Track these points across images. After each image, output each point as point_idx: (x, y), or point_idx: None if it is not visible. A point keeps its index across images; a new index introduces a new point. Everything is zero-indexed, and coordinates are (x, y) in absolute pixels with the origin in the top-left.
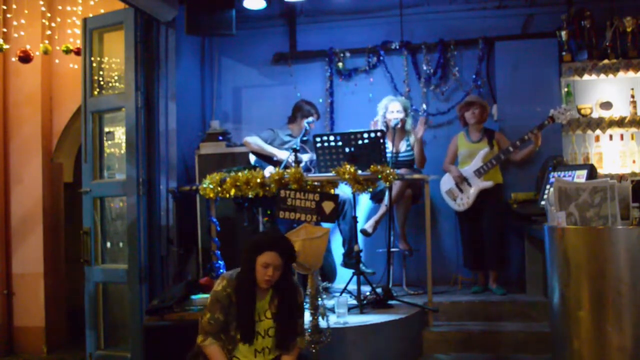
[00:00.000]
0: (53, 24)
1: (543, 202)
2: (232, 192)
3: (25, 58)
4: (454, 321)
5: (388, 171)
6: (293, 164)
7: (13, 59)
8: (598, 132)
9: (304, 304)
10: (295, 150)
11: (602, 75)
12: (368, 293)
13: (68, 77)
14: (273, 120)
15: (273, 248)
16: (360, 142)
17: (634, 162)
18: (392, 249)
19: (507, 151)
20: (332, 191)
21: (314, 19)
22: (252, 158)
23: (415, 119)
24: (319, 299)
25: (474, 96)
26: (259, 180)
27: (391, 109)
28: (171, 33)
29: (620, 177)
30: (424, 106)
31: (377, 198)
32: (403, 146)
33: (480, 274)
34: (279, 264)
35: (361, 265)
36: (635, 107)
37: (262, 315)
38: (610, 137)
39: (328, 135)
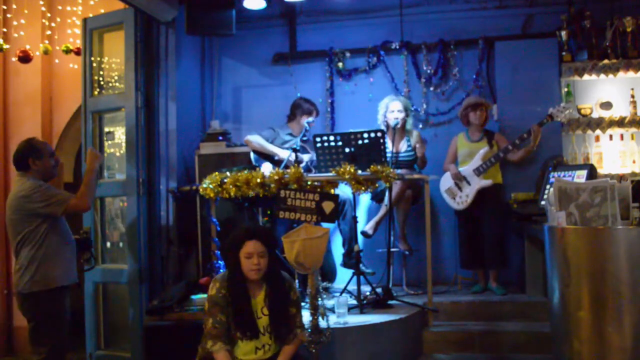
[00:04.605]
0: (53, 24)
1: (543, 202)
2: (232, 192)
3: (25, 58)
4: (454, 321)
5: (388, 171)
6: (293, 164)
7: (13, 59)
8: (598, 132)
9: (304, 302)
10: (295, 150)
11: (602, 75)
12: (368, 293)
13: (68, 77)
14: (273, 120)
15: (251, 237)
16: (360, 142)
17: (634, 162)
18: (392, 249)
19: (506, 150)
20: (332, 191)
21: (314, 19)
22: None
23: (416, 119)
24: (319, 299)
25: (477, 97)
26: (259, 180)
27: (392, 109)
28: (171, 33)
29: (620, 177)
30: (425, 106)
31: (378, 198)
32: (403, 146)
33: (480, 274)
34: (262, 250)
35: (361, 265)
36: (635, 107)
37: (259, 312)
38: (610, 137)
39: (328, 135)
